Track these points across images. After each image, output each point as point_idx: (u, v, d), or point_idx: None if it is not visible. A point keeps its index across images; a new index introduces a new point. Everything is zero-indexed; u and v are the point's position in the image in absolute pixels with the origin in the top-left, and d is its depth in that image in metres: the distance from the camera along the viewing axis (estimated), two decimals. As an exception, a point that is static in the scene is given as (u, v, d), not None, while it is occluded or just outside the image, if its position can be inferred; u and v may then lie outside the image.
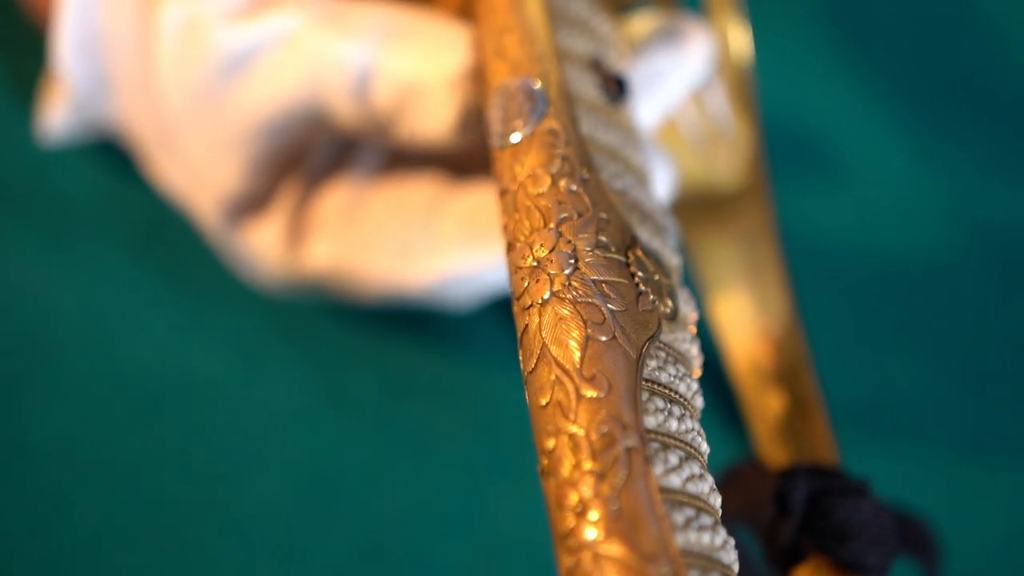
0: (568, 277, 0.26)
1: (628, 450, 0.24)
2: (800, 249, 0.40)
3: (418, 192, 0.36)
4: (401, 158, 0.37)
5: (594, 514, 0.23)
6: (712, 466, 0.26)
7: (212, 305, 0.41)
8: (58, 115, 0.39)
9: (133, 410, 0.40)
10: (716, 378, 0.37)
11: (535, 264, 0.27)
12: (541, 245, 0.27)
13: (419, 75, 0.32)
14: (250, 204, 0.37)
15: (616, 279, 0.26)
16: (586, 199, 0.27)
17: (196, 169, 0.36)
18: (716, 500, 0.25)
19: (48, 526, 0.38)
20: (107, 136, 0.40)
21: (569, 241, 0.27)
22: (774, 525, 0.30)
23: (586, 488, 0.23)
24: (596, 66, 0.31)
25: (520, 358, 0.26)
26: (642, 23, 0.34)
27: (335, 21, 0.33)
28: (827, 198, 0.43)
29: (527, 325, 0.26)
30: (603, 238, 0.27)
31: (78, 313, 0.40)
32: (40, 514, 0.38)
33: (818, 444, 0.33)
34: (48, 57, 0.39)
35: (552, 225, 0.27)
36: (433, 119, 0.33)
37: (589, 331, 0.25)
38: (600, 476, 0.23)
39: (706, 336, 0.36)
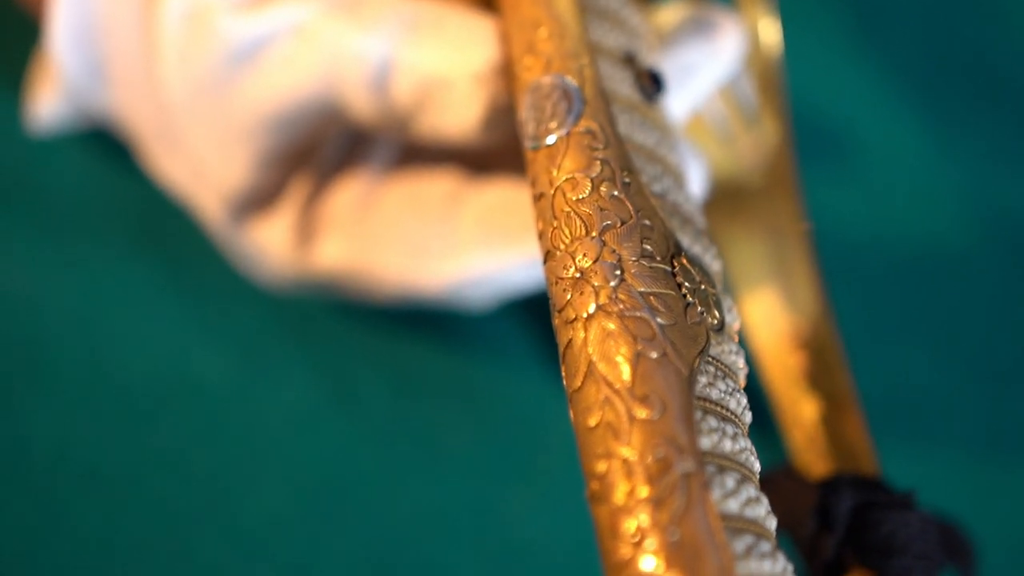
0: (614, 289, 0.25)
1: (686, 475, 0.23)
2: (815, 241, 0.39)
3: (434, 188, 0.35)
4: (416, 152, 0.36)
5: (652, 544, 0.22)
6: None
7: (214, 303, 0.39)
8: (50, 104, 0.37)
9: (133, 413, 0.38)
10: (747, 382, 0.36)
11: (578, 275, 0.25)
12: (584, 255, 0.25)
13: (443, 69, 0.31)
14: (257, 200, 0.35)
15: (663, 291, 0.25)
16: (628, 205, 0.26)
17: (200, 163, 0.35)
18: (772, 524, 0.24)
19: (46, 535, 0.36)
20: (101, 126, 0.39)
21: (614, 251, 0.25)
22: (816, 539, 0.29)
23: (643, 516, 0.22)
24: (630, 61, 0.30)
25: (563, 375, 0.25)
26: (671, 14, 0.33)
27: (351, 11, 0.32)
28: (842, 189, 0.42)
29: (571, 340, 0.25)
30: (648, 247, 0.26)
31: (73, 312, 0.39)
32: (37, 523, 0.37)
33: (857, 450, 0.32)
34: (40, 45, 0.37)
35: (595, 234, 0.26)
36: (458, 116, 0.31)
37: (639, 347, 0.24)
38: (657, 503, 0.22)
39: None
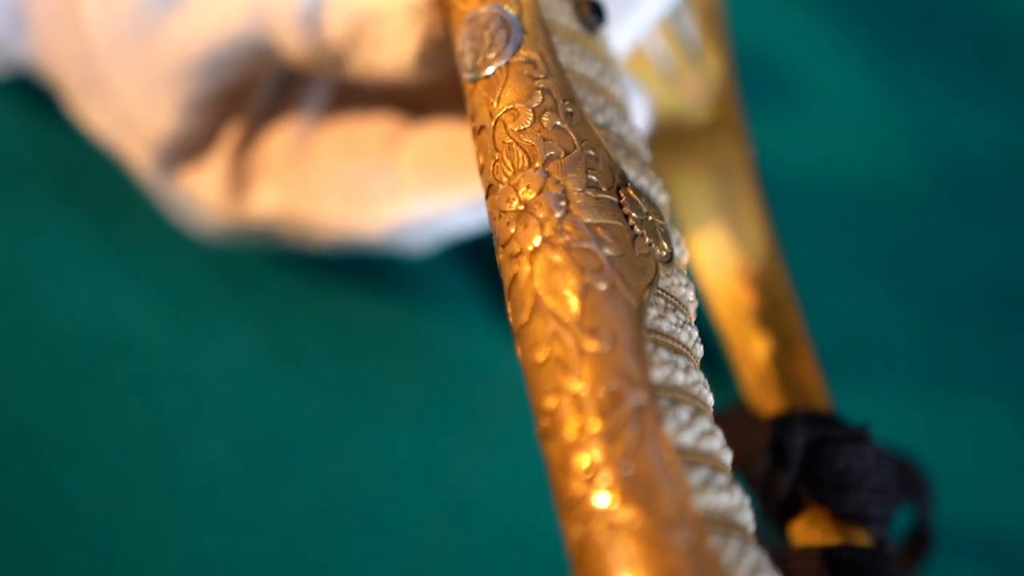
0: (559, 221, 0.24)
1: (638, 408, 0.22)
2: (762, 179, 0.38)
3: (371, 131, 0.34)
4: (350, 94, 0.35)
5: (606, 479, 0.21)
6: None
7: (145, 256, 0.38)
8: (-32, 55, 0.36)
9: (65, 371, 0.37)
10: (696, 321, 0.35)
11: (522, 208, 0.24)
12: (527, 187, 0.25)
13: (376, 2, 0.30)
14: (187, 148, 0.34)
15: (610, 221, 0.24)
16: (572, 135, 0.25)
17: (126, 111, 0.34)
18: (728, 457, 0.24)
19: (-24, 500, 0.35)
20: (22, 76, 0.37)
21: (558, 181, 0.25)
22: (770, 476, 0.29)
23: (596, 451, 0.22)
24: (569, -9, 0.29)
25: (509, 310, 0.24)
26: (610, -57, 0.32)
27: (279, -55, 0.31)
28: (786, 128, 0.42)
29: (516, 274, 0.24)
30: (593, 177, 0.25)
31: (-3, 269, 0.38)
32: (-33, 488, 0.35)
33: (809, 387, 0.31)
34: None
35: (538, 164, 0.25)
36: (392, 51, 0.30)
37: (587, 279, 0.23)
38: (610, 438, 0.22)
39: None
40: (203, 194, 0.35)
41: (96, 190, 0.38)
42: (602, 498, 0.21)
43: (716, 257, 0.34)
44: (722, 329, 0.34)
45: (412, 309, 0.38)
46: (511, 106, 0.26)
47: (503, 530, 0.36)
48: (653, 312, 0.24)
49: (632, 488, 0.21)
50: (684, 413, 0.23)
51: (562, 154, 0.25)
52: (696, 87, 0.36)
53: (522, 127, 0.25)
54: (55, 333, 0.37)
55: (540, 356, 0.23)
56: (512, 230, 0.24)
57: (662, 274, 0.25)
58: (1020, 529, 0.37)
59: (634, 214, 0.25)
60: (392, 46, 0.30)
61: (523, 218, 0.24)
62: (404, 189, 0.33)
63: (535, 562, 0.36)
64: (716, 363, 0.34)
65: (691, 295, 0.26)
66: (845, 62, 0.43)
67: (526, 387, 0.23)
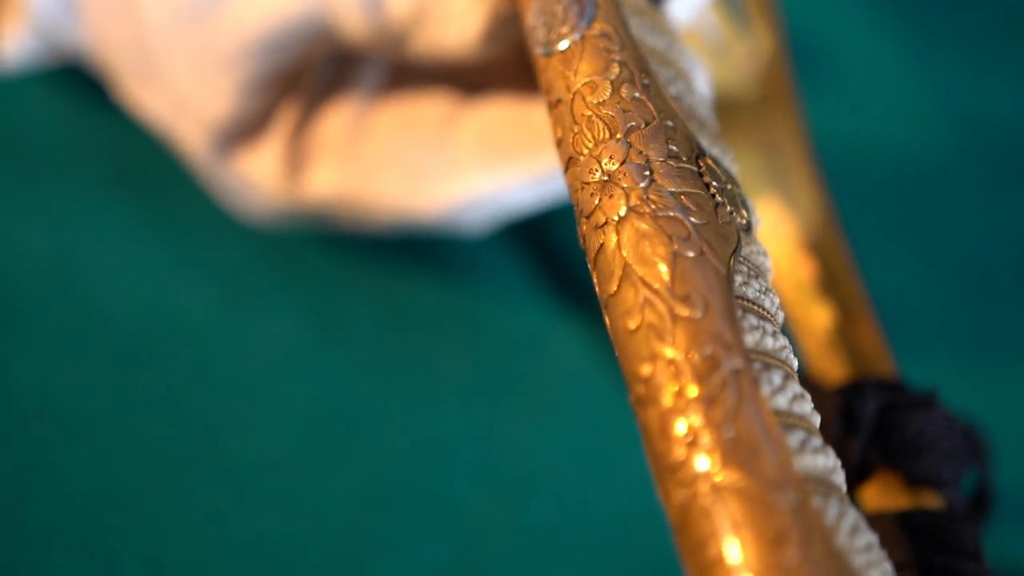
0: (645, 190, 0.24)
1: (735, 372, 0.22)
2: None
3: (428, 110, 0.34)
4: (406, 73, 0.35)
5: (707, 442, 0.21)
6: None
7: (196, 241, 0.38)
8: (17, 41, 0.36)
9: (117, 357, 0.37)
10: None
11: (605, 179, 0.25)
12: (611, 158, 0.25)
13: None
14: (243, 130, 0.34)
15: (693, 190, 0.25)
16: (651, 106, 0.26)
17: (182, 94, 0.34)
18: (817, 420, 0.24)
19: (34, 487, 0.35)
20: (72, 62, 0.37)
21: (640, 152, 0.25)
22: (841, 443, 0.29)
23: (695, 416, 0.22)
24: (635, -37, 0.29)
25: (595, 281, 0.24)
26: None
27: (341, -75, 0.31)
28: (824, 102, 0.42)
29: (603, 245, 0.24)
30: (673, 147, 0.25)
31: (49, 257, 0.37)
32: (24, 474, 0.35)
33: (873, 355, 0.32)
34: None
35: (619, 135, 0.25)
36: (457, 29, 0.30)
37: (675, 247, 0.23)
38: (709, 402, 0.22)
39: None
40: (259, 176, 0.35)
41: (145, 176, 0.38)
42: (703, 461, 0.21)
43: (772, 228, 0.34)
44: (782, 300, 0.34)
45: (459, 288, 0.38)
46: (589, 79, 0.26)
47: (556, 504, 0.36)
48: (739, 279, 0.24)
49: (734, 451, 0.21)
50: (777, 377, 0.23)
51: (642, 125, 0.25)
52: (747, 61, 0.36)
53: (601, 99, 0.26)
54: (107, 318, 0.37)
55: (632, 323, 0.23)
56: (596, 201, 0.25)
57: (744, 242, 0.25)
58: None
59: (714, 183, 0.25)
60: (457, 23, 0.30)
61: (607, 188, 0.25)
62: (463, 166, 0.33)
63: (589, 535, 0.36)
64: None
65: (768, 263, 0.26)
66: (878, 36, 0.43)
67: (617, 355, 0.24)
